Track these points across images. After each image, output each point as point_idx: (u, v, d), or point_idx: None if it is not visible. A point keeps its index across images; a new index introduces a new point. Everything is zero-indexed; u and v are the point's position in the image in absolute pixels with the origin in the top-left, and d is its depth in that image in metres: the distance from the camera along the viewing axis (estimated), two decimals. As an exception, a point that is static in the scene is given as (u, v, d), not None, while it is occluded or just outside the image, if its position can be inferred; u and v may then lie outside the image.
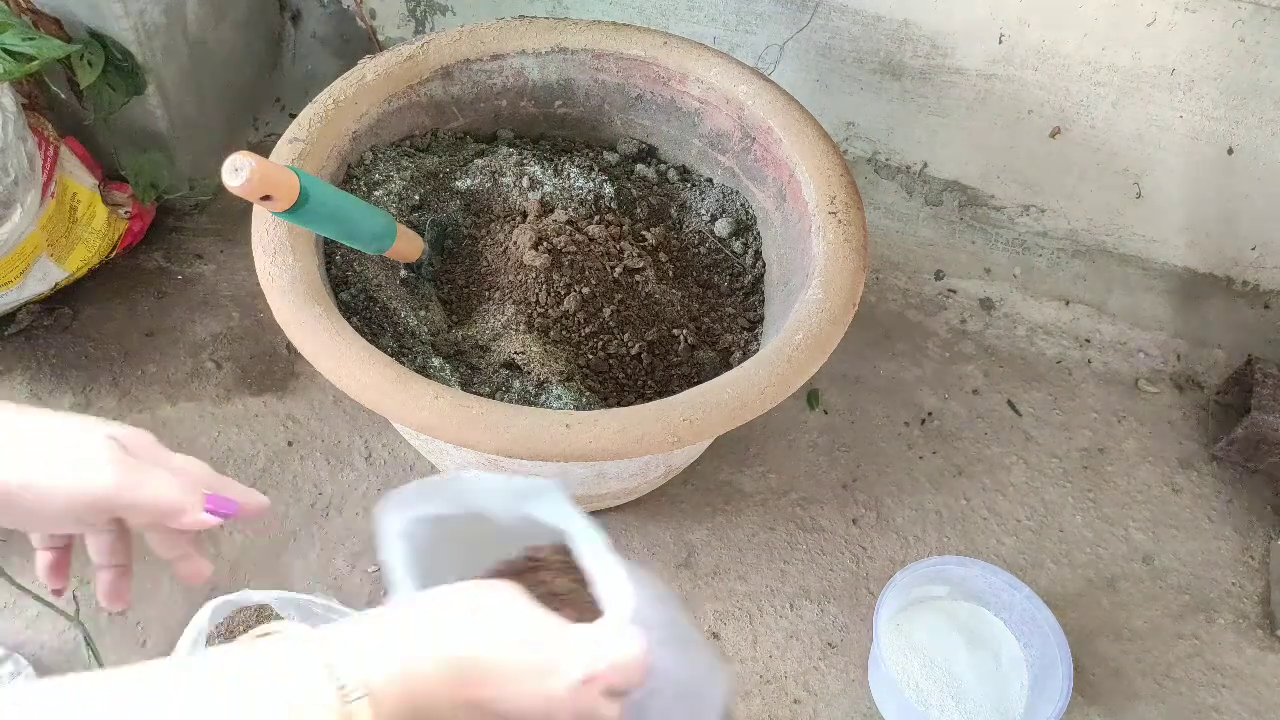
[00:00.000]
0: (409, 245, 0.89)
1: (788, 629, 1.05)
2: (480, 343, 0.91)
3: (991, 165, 1.29)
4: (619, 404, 0.89)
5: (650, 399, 0.88)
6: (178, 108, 1.26)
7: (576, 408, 0.85)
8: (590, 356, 0.91)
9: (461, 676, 0.41)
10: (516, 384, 0.87)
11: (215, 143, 1.37)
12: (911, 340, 1.31)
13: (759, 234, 1.03)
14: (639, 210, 1.02)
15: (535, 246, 0.91)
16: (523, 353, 0.89)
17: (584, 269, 0.92)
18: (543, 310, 0.91)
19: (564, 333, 0.91)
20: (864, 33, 1.21)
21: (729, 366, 0.92)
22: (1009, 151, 1.27)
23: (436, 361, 0.87)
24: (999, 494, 1.17)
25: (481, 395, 0.84)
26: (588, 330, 0.91)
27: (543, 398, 0.86)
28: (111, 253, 1.24)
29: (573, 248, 0.92)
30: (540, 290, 0.91)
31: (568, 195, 0.99)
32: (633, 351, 0.92)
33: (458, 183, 0.99)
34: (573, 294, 0.91)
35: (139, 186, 1.25)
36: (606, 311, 0.92)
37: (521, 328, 0.91)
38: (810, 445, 1.20)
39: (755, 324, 0.99)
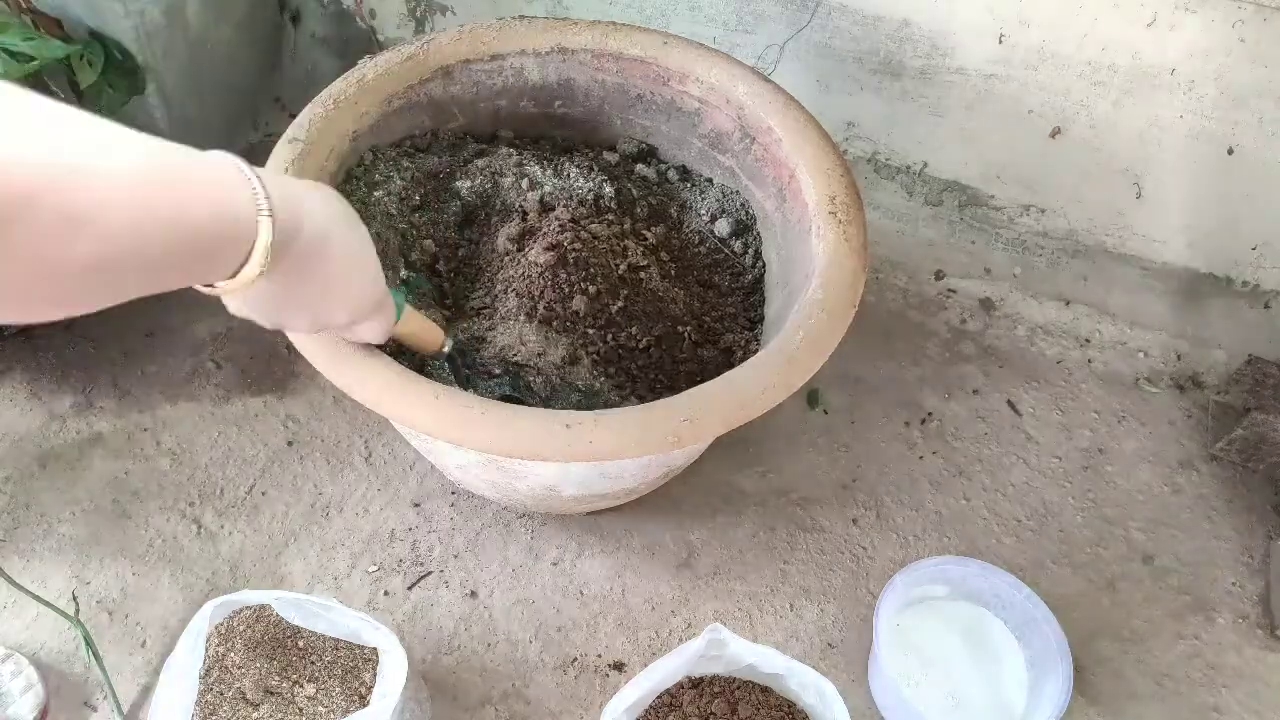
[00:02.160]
0: (424, 331, 0.81)
1: (788, 629, 1.05)
2: (479, 334, 0.91)
3: (991, 165, 1.29)
4: (632, 392, 0.89)
5: (661, 392, 0.88)
6: (178, 108, 1.26)
7: (589, 392, 0.84)
8: (599, 345, 0.91)
9: (327, 238, 0.56)
10: (522, 376, 0.87)
11: (215, 143, 1.36)
12: (911, 340, 1.31)
13: (759, 234, 1.03)
14: (639, 210, 1.02)
15: (543, 246, 0.91)
16: (524, 346, 0.89)
17: (589, 265, 0.92)
18: (549, 307, 0.91)
19: (567, 324, 0.91)
20: (864, 33, 1.21)
21: (730, 365, 0.92)
22: (1009, 151, 1.27)
23: (436, 360, 0.87)
24: (999, 494, 1.17)
25: (487, 388, 0.84)
26: (594, 327, 0.91)
27: (549, 388, 0.86)
28: (111, 253, 1.23)
29: (578, 245, 0.92)
30: (547, 289, 0.91)
31: (568, 195, 0.99)
32: (641, 345, 0.92)
33: (458, 183, 0.99)
34: (580, 293, 0.91)
35: (139, 186, 1.24)
36: (614, 308, 0.92)
37: (522, 318, 0.90)
38: (810, 445, 1.20)
39: (756, 324, 0.99)
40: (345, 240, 0.59)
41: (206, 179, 0.46)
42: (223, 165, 0.48)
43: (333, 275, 0.58)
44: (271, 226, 0.49)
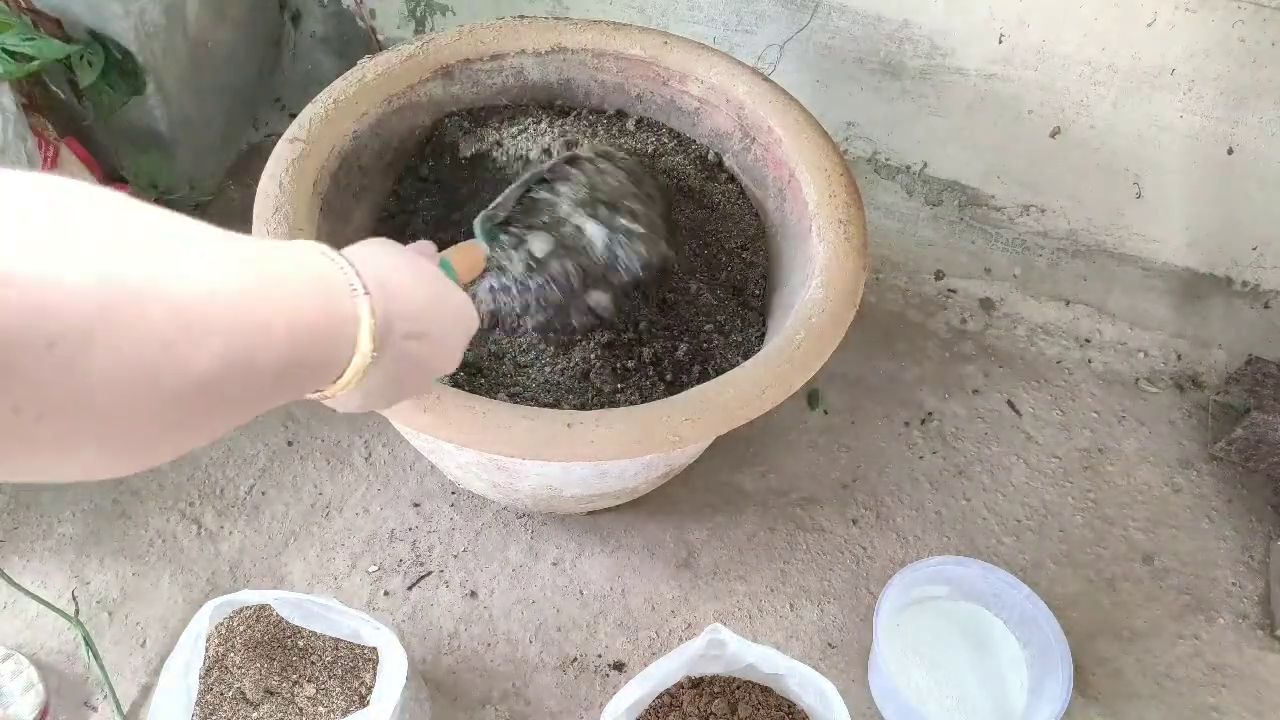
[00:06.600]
0: (474, 264, 0.73)
1: (788, 629, 1.05)
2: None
3: (991, 165, 1.30)
4: (639, 383, 0.89)
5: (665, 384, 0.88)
6: (178, 108, 1.26)
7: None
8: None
9: (432, 301, 0.51)
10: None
11: (215, 143, 1.37)
12: (911, 340, 1.31)
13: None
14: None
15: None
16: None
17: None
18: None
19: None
20: (864, 33, 1.21)
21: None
22: (1009, 151, 1.27)
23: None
24: (999, 494, 1.17)
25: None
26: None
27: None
28: (111, 253, 1.23)
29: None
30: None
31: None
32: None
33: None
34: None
35: (139, 186, 1.24)
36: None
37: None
38: (810, 445, 1.20)
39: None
40: (429, 280, 0.52)
41: (305, 272, 0.41)
42: (311, 253, 0.43)
43: (432, 320, 0.51)
44: (370, 307, 0.44)
